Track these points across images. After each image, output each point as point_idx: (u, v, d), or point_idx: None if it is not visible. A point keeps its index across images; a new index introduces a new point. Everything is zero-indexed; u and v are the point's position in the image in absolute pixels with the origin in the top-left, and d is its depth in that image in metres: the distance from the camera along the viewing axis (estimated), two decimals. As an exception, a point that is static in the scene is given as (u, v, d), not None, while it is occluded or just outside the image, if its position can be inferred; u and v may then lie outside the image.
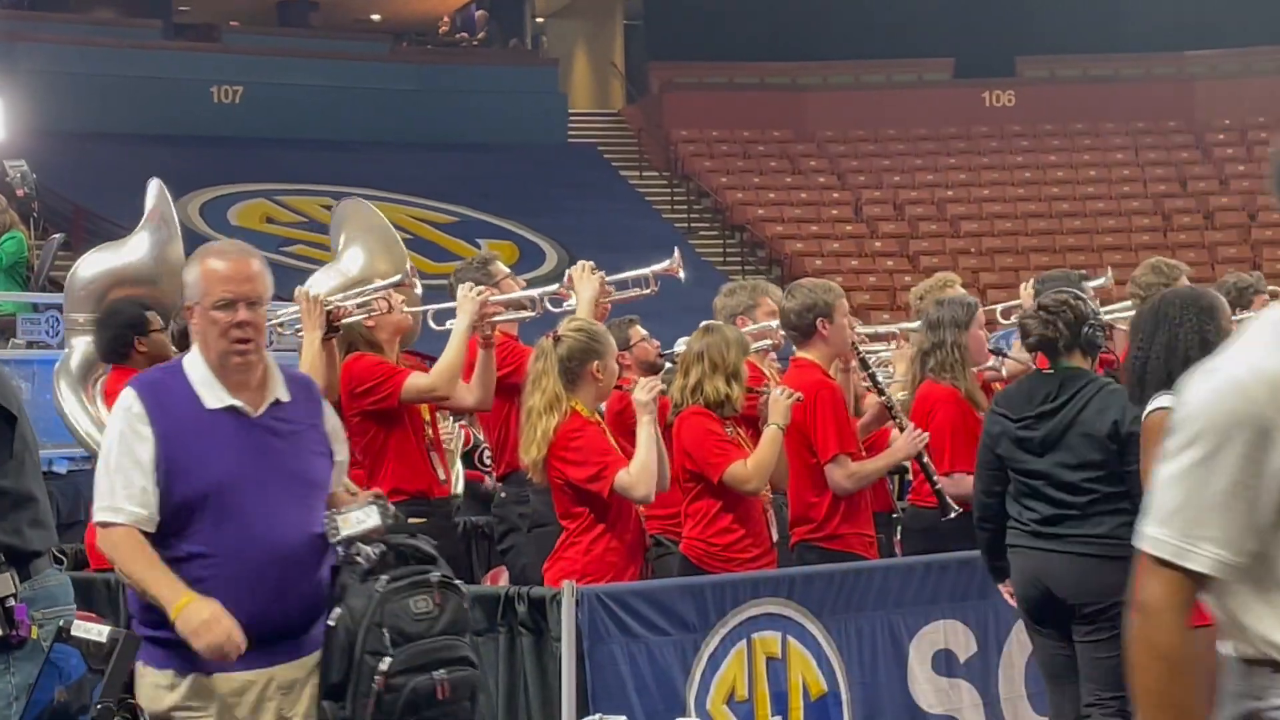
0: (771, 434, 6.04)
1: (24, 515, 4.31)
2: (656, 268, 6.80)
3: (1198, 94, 28.63)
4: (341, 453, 4.39)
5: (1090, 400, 5.54)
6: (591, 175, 28.04)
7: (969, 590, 6.29)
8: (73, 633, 4.22)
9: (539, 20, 33.98)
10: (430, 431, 6.47)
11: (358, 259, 6.98)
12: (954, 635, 6.25)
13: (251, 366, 4.17)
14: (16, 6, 28.26)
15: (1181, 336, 5.23)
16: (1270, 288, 7.61)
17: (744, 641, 5.71)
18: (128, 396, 4.15)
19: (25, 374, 10.72)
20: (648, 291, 6.83)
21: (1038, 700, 6.36)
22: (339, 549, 4.19)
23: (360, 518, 4.16)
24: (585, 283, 6.57)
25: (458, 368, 6.28)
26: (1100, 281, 7.94)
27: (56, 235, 14.89)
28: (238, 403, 4.14)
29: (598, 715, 3.35)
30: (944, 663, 6.23)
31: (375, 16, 33.58)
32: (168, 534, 4.07)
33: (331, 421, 4.38)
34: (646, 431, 5.64)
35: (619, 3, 32.52)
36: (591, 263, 6.80)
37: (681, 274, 6.81)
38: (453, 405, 6.67)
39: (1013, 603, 5.87)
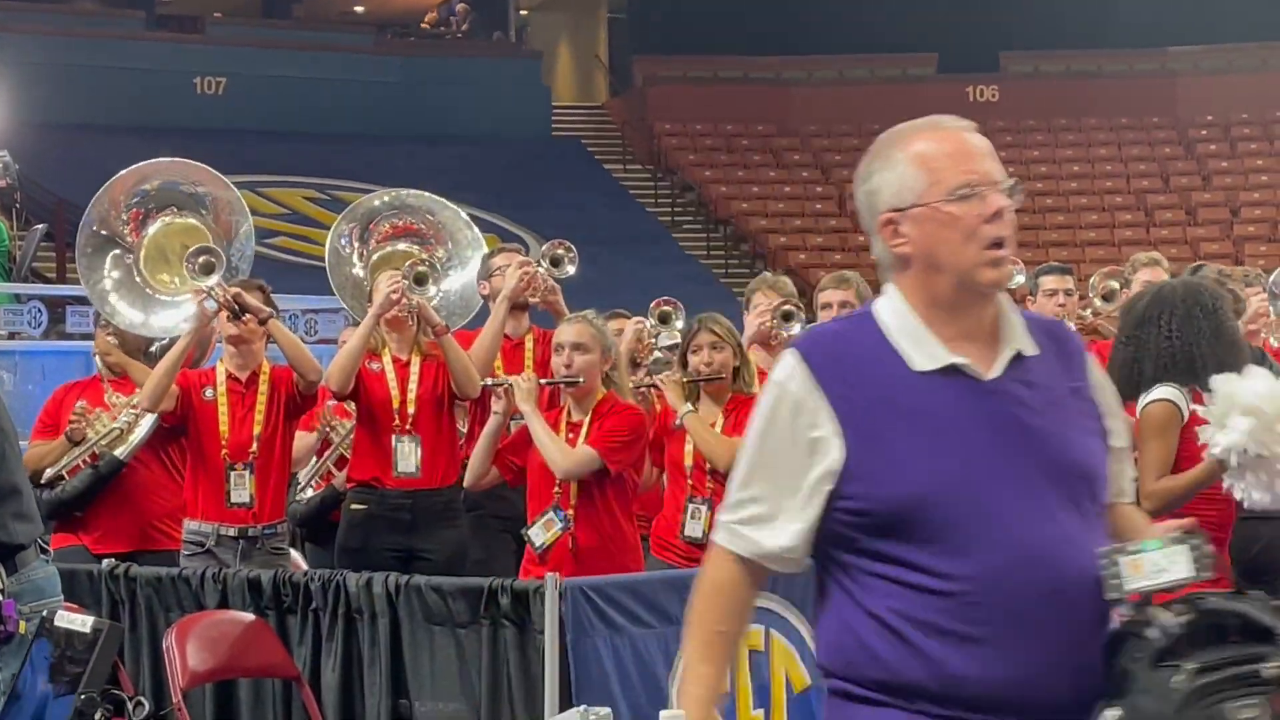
0: None
1: (8, 508, 4.29)
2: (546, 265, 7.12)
3: (1181, 90, 28.67)
4: (1121, 435, 2.91)
5: None
6: (575, 169, 28.02)
7: (951, 584, 6.29)
8: (55, 623, 4.21)
9: (522, 13, 33.92)
10: (396, 422, 6.64)
11: None
12: (936, 629, 6.25)
13: (996, 291, 2.82)
14: (-2, -3, 28.18)
15: (1195, 325, 5.25)
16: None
17: (727, 635, 5.70)
18: (788, 364, 2.81)
19: (7, 365, 10.72)
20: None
21: (1019, 694, 6.36)
22: (1122, 608, 2.75)
23: (1159, 562, 2.72)
24: (507, 275, 6.90)
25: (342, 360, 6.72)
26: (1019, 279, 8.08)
27: (39, 226, 14.91)
28: (963, 360, 2.77)
29: (581, 708, 3.33)
30: (926, 657, 6.23)
31: (359, 9, 33.52)
32: (870, 558, 2.75)
33: (1097, 378, 2.91)
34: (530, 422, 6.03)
35: (603, -4, 32.52)
36: (521, 257, 7.00)
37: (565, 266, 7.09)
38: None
39: None
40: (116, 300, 7.16)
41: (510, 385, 6.12)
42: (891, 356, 2.77)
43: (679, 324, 7.31)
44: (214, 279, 6.67)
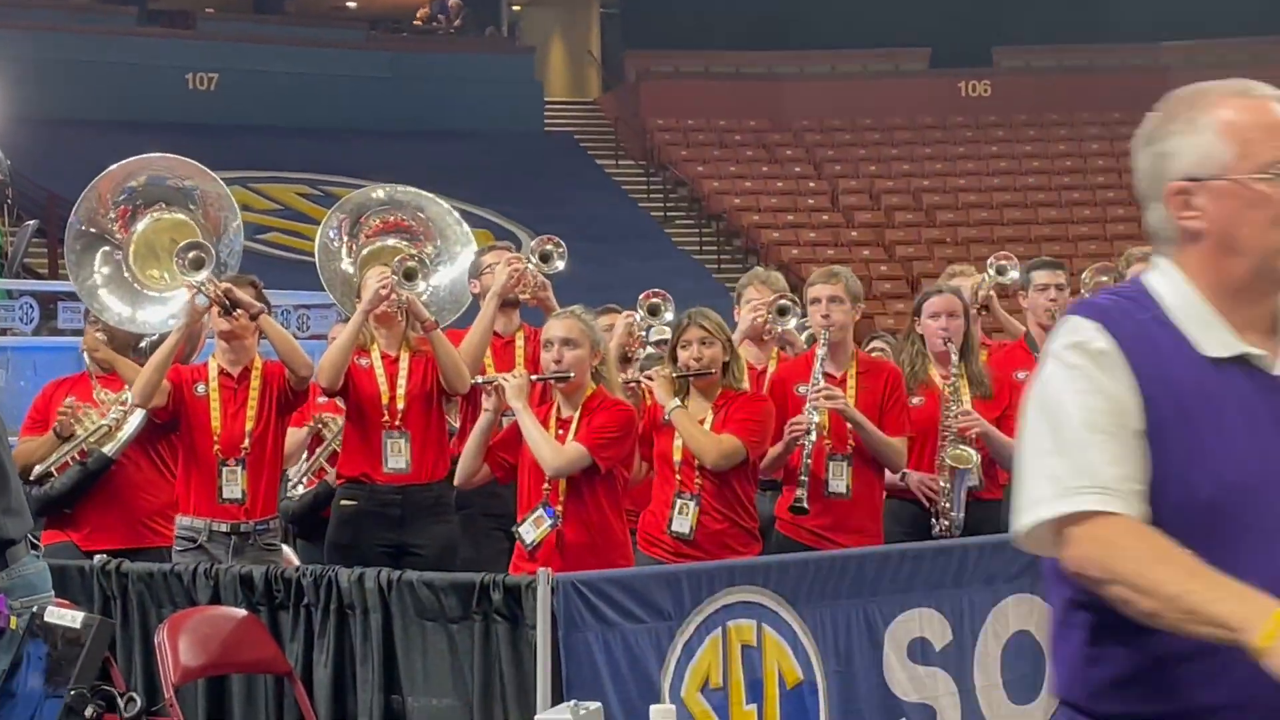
0: None
1: (-3, 503, 4.28)
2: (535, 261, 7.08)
3: (1173, 85, 27.73)
4: None
5: None
6: (568, 164, 28.01)
7: (944, 579, 6.30)
8: (46, 618, 4.20)
9: (515, 8, 33.91)
10: (388, 419, 6.64)
11: None
12: (929, 624, 6.26)
13: None
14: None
15: None
16: None
17: (719, 629, 5.70)
18: (1085, 328, 2.46)
19: (-2, 361, 10.70)
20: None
21: (1012, 688, 6.37)
22: None
23: None
24: (496, 272, 6.89)
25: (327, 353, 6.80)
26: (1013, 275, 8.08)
27: (30, 222, 14.88)
28: (1257, 351, 2.48)
29: (572, 702, 3.33)
30: (919, 651, 6.24)
31: (351, 4, 33.50)
32: None
33: None
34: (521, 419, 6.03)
35: (595, -9, 32.51)
36: (510, 254, 6.99)
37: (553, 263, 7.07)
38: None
39: None
40: (106, 296, 7.16)
41: (501, 383, 6.11)
42: (1178, 338, 2.46)
43: (668, 315, 7.29)
44: (204, 274, 6.66)
